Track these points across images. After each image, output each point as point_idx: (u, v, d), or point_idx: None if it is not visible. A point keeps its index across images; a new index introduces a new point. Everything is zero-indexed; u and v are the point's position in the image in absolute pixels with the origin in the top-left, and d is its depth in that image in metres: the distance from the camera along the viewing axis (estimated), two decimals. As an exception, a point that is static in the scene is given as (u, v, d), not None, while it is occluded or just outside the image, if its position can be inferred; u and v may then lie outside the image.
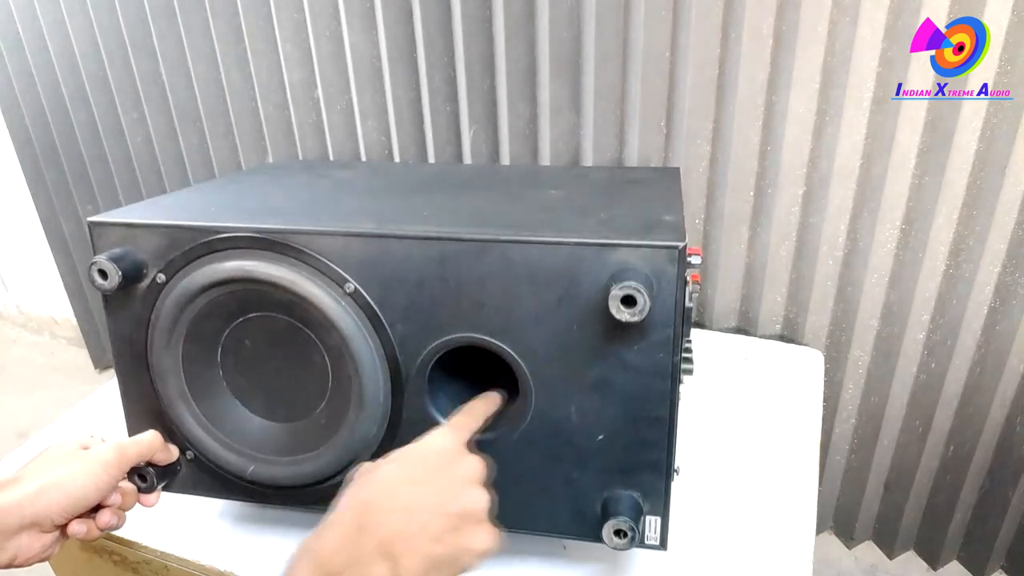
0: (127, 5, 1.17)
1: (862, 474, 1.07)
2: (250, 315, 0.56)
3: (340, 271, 0.52)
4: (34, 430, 0.83)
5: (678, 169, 0.85)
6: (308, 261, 0.52)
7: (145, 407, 0.60)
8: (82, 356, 1.80)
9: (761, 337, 1.01)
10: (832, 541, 1.16)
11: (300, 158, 1.17)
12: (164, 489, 0.60)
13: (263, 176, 0.80)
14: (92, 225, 0.56)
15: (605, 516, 0.52)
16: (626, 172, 0.84)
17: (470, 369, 0.58)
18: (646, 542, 0.54)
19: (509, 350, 0.52)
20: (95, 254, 0.54)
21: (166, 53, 1.18)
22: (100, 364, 1.73)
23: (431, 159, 1.07)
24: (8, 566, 0.49)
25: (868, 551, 1.14)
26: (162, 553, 0.66)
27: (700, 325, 1.06)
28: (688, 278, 0.52)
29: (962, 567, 1.09)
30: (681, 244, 0.47)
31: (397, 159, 1.09)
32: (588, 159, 0.98)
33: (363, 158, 1.12)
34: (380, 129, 1.09)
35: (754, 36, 0.83)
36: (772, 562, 0.62)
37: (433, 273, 0.51)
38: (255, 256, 0.53)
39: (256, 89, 1.14)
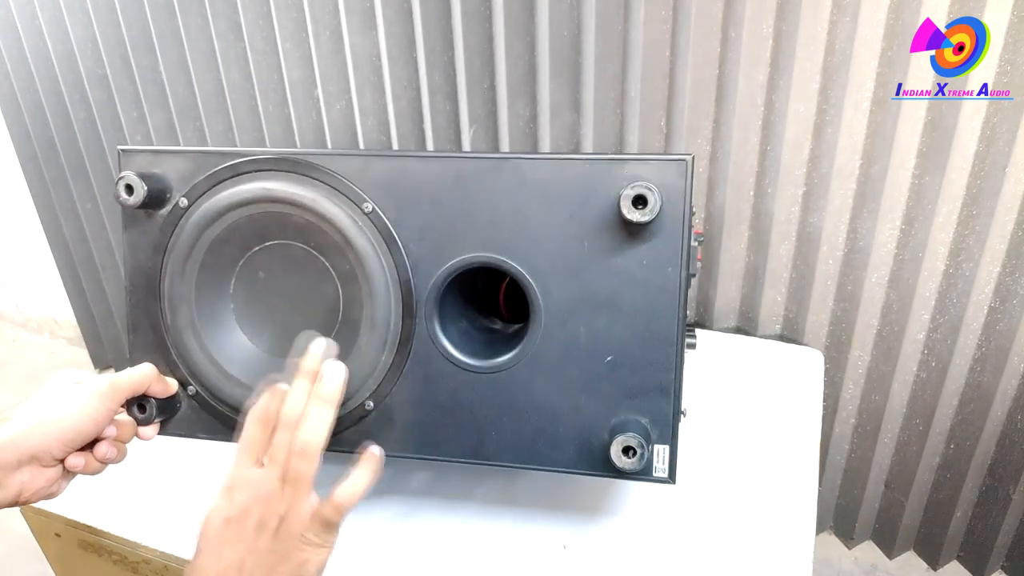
0: (127, 4, 1.17)
1: (862, 473, 1.07)
2: (266, 243, 0.57)
3: (359, 191, 0.54)
4: (34, 429, 0.83)
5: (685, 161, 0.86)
6: (329, 181, 0.54)
7: (151, 341, 0.60)
8: (82, 356, 1.79)
9: (761, 337, 1.01)
10: (832, 541, 1.16)
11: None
12: (163, 432, 0.60)
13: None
14: (122, 152, 0.58)
15: (613, 440, 0.52)
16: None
17: (477, 303, 0.60)
18: (655, 473, 0.53)
19: (520, 269, 0.53)
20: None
21: (166, 51, 1.18)
22: (100, 364, 1.73)
23: (431, 158, 1.07)
24: (15, 502, 0.50)
25: (868, 551, 1.14)
26: (162, 553, 0.66)
27: (700, 325, 1.06)
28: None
29: (962, 567, 1.09)
30: (689, 157, 0.49)
31: (397, 158, 1.09)
32: (588, 159, 0.98)
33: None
34: (380, 128, 1.09)
35: (754, 36, 0.83)
36: (772, 562, 0.62)
37: (449, 192, 0.53)
38: (277, 177, 0.55)
39: (256, 87, 1.14)
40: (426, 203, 0.53)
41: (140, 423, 0.57)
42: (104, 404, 0.52)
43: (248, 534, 0.45)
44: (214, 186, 0.56)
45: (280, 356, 0.59)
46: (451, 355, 0.55)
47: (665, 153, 0.50)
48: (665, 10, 0.86)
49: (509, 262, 0.53)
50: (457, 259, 0.54)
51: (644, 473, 0.53)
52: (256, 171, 0.55)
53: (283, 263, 0.57)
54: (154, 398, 0.57)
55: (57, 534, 0.75)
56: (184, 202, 0.56)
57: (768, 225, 0.94)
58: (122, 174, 0.55)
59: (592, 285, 0.52)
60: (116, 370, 1.75)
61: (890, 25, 0.78)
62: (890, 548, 1.11)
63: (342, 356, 0.55)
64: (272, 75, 1.12)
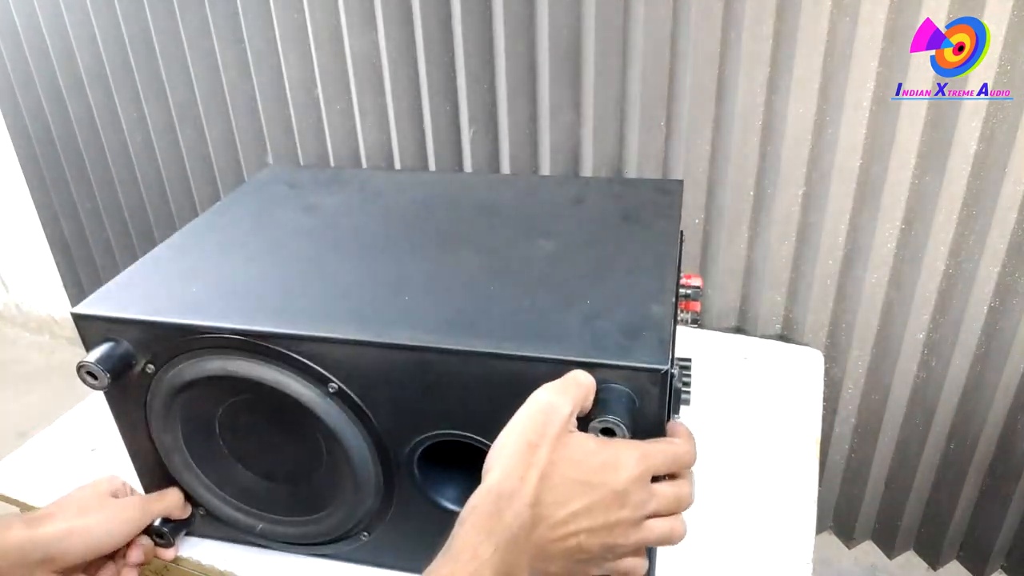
0: (126, 3, 1.17)
1: (862, 473, 1.07)
2: (242, 396, 0.57)
3: (323, 371, 0.52)
4: (34, 430, 0.83)
5: (681, 183, 0.75)
6: (291, 362, 0.52)
7: (158, 474, 0.62)
8: (82, 356, 1.79)
9: (761, 337, 1.01)
10: (832, 541, 1.16)
11: (300, 160, 1.17)
12: (186, 534, 0.65)
13: (244, 220, 0.72)
14: (77, 317, 0.56)
15: None
16: (624, 194, 0.74)
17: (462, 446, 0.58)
18: None
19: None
20: (85, 348, 0.56)
21: (165, 52, 1.18)
22: (100, 363, 1.73)
23: (431, 158, 1.07)
24: None
25: (868, 551, 1.14)
26: (162, 553, 0.66)
27: (700, 325, 1.06)
28: (686, 307, 0.53)
29: (962, 567, 1.09)
30: (664, 368, 0.45)
31: (397, 158, 1.09)
32: (588, 159, 0.98)
33: (363, 156, 1.12)
34: (380, 128, 1.09)
35: (754, 36, 0.83)
36: (772, 562, 0.63)
37: (415, 377, 0.51)
38: (239, 355, 0.53)
39: (256, 88, 1.14)
40: (393, 384, 0.52)
41: (159, 546, 0.62)
42: (132, 525, 0.56)
43: (604, 519, 0.41)
44: (176, 356, 0.55)
45: (278, 482, 0.61)
46: (435, 501, 0.56)
47: (640, 360, 0.46)
48: (665, 10, 0.86)
49: (483, 441, 0.51)
50: (429, 433, 0.53)
51: None
52: (215, 347, 0.53)
53: (262, 411, 0.57)
54: (170, 522, 0.62)
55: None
56: (151, 368, 0.56)
57: (768, 225, 0.94)
58: (82, 362, 0.54)
59: None
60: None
61: (890, 25, 0.78)
62: (890, 548, 1.11)
63: (331, 495, 0.58)
64: (272, 75, 1.12)
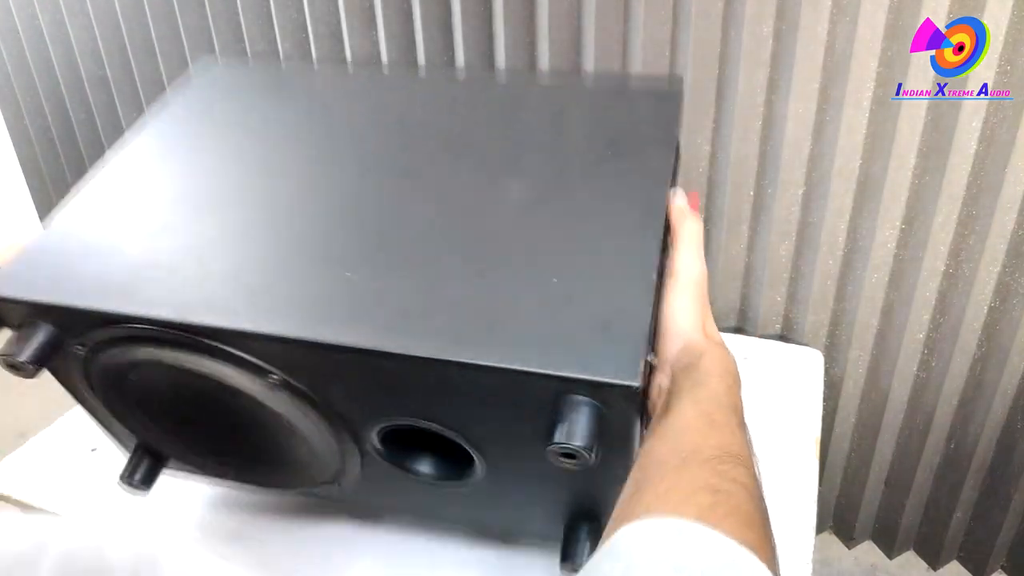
0: (127, 5, 1.17)
1: (862, 473, 1.07)
2: (183, 380, 0.50)
3: (261, 364, 0.47)
4: (34, 430, 0.83)
5: (680, 90, 0.61)
6: (224, 355, 0.47)
7: (124, 432, 0.60)
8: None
9: (760, 337, 1.01)
10: (832, 541, 1.16)
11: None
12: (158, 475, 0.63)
13: (175, 151, 0.66)
14: None
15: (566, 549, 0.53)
16: (614, 108, 0.61)
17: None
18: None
19: (457, 437, 0.48)
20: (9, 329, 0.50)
21: (165, 52, 1.18)
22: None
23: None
24: None
25: (868, 551, 1.14)
26: (162, 553, 0.66)
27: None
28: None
29: (962, 567, 1.09)
30: (635, 384, 0.39)
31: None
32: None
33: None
34: (380, 129, 1.09)
35: (754, 36, 0.83)
36: (772, 562, 0.62)
37: (367, 375, 0.46)
38: (169, 347, 0.48)
39: (256, 89, 1.14)
40: (343, 379, 0.46)
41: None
42: None
43: None
44: (104, 341, 0.49)
45: (233, 457, 0.60)
46: (406, 467, 0.53)
47: (607, 374, 0.40)
48: (665, 10, 0.86)
49: (444, 431, 0.47)
50: (386, 422, 0.49)
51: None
52: (145, 336, 0.47)
53: (207, 393, 0.50)
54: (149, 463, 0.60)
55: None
56: (80, 350, 0.50)
57: (768, 225, 0.94)
58: (2, 355, 0.47)
59: (535, 459, 0.43)
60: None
61: (890, 25, 0.78)
62: (890, 548, 1.11)
63: (292, 464, 0.56)
64: (272, 75, 1.12)
